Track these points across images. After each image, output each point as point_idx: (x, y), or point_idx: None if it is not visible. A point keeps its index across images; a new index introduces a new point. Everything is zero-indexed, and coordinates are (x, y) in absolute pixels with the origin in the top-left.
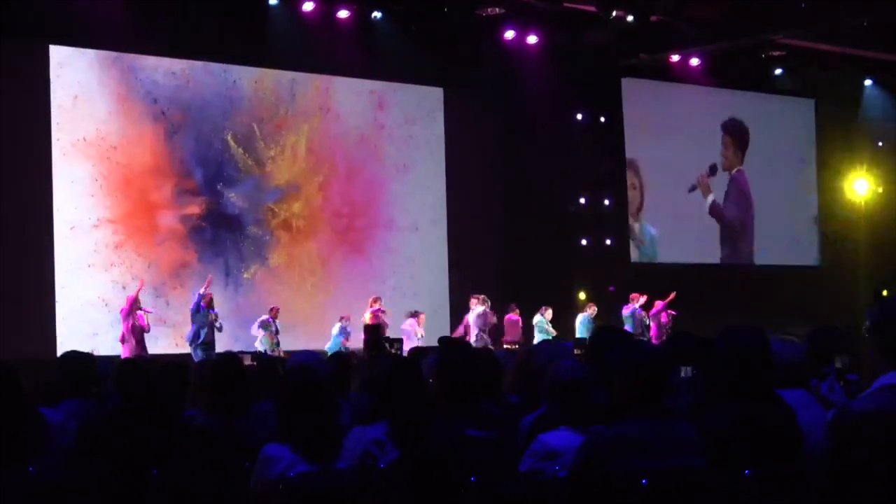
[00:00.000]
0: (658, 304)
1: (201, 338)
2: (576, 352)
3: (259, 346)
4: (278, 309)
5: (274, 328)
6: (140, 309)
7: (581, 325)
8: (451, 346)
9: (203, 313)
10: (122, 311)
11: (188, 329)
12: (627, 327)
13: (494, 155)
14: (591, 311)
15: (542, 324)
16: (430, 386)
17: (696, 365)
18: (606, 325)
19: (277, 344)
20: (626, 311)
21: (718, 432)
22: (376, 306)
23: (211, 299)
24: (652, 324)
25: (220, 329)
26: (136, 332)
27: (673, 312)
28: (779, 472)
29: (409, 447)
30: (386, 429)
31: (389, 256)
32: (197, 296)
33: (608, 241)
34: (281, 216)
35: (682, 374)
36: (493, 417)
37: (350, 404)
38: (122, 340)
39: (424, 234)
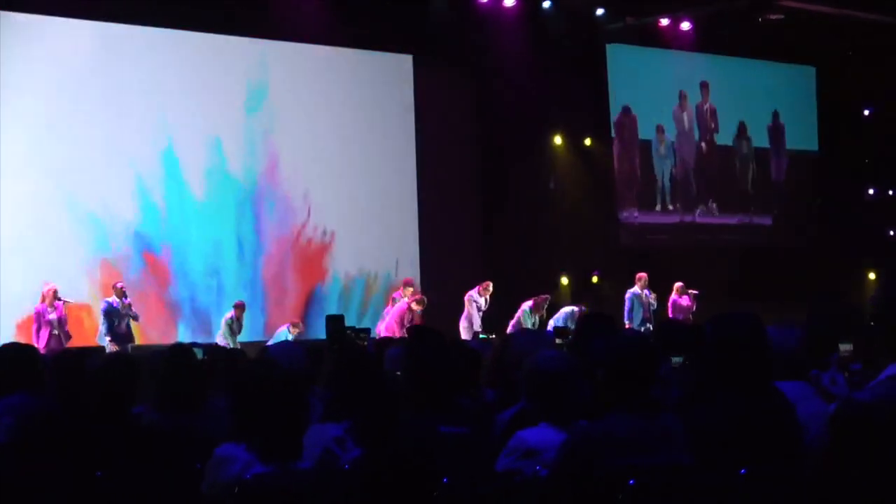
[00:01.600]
0: (677, 285)
1: (115, 329)
2: (557, 341)
3: (220, 340)
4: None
5: (235, 325)
6: (58, 299)
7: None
8: (421, 336)
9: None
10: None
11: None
12: (632, 314)
13: (467, 131)
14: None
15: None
16: (399, 379)
17: (686, 354)
18: (593, 312)
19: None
20: (629, 294)
21: (710, 428)
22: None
23: (122, 290)
24: (669, 309)
25: (135, 318)
26: (54, 325)
27: (695, 292)
28: (776, 471)
29: (373, 445)
30: (347, 426)
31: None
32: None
33: (591, 221)
34: None
35: (672, 365)
36: (468, 413)
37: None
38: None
39: (392, 211)
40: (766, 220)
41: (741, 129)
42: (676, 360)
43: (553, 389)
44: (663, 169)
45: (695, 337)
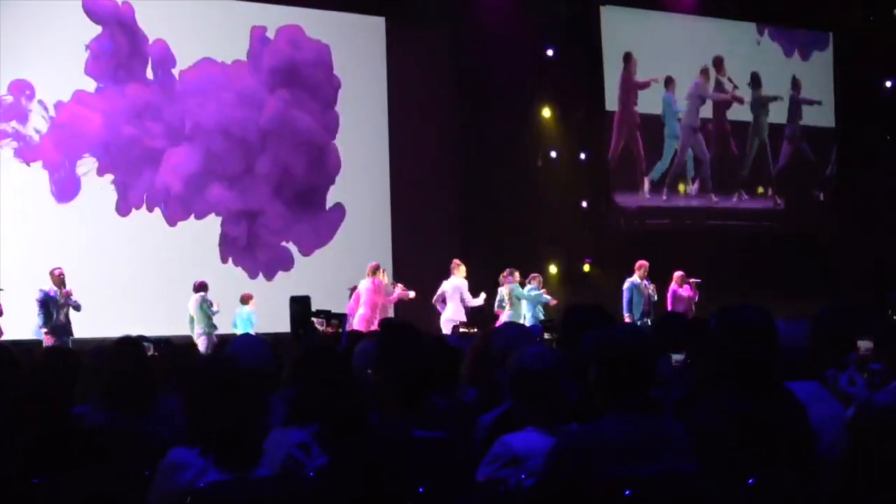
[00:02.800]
0: (677, 274)
1: (53, 321)
2: (545, 336)
3: (198, 330)
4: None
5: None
6: None
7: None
8: (394, 330)
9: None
10: None
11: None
12: (632, 307)
13: (446, 102)
14: (536, 282)
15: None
16: (370, 378)
17: (688, 351)
18: (580, 302)
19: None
20: (628, 284)
21: (715, 432)
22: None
23: (60, 277)
24: (669, 300)
25: (76, 308)
26: None
27: (697, 281)
28: (787, 480)
29: (341, 452)
30: (313, 430)
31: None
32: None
33: (584, 204)
34: None
35: (673, 363)
36: (446, 415)
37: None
38: None
39: (362, 191)
40: (777, 204)
41: (751, 103)
42: (677, 356)
43: (540, 389)
44: (665, 146)
45: (697, 331)
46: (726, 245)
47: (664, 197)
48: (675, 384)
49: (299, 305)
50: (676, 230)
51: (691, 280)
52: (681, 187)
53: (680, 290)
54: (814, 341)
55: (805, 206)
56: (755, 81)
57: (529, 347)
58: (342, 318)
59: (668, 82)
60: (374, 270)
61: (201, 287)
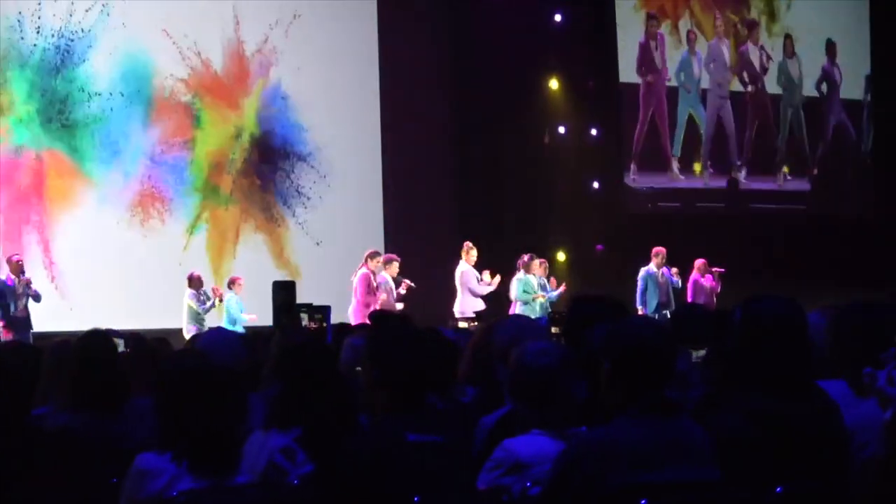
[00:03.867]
0: (699, 262)
1: (11, 313)
2: (552, 329)
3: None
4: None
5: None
6: None
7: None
8: (385, 323)
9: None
10: None
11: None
12: (646, 298)
13: (443, 72)
14: (540, 270)
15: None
16: (359, 375)
17: (709, 346)
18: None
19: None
20: (643, 273)
21: (739, 435)
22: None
23: (18, 263)
24: (689, 291)
25: (36, 298)
26: None
27: (719, 270)
28: (818, 488)
29: (327, 457)
30: (297, 434)
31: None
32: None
33: (595, 185)
34: None
35: (693, 359)
36: (443, 417)
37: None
38: None
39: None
40: (810, 185)
41: (783, 71)
42: (698, 353)
43: (545, 389)
44: (686, 121)
45: (720, 324)
46: (752, 230)
47: (683, 177)
48: (695, 383)
49: (284, 291)
50: (697, 213)
51: (714, 269)
52: (696, 167)
53: (702, 279)
54: (838, 336)
55: (840, 186)
56: (787, 47)
57: (533, 343)
58: (325, 311)
59: (690, 41)
60: (371, 257)
61: (191, 282)
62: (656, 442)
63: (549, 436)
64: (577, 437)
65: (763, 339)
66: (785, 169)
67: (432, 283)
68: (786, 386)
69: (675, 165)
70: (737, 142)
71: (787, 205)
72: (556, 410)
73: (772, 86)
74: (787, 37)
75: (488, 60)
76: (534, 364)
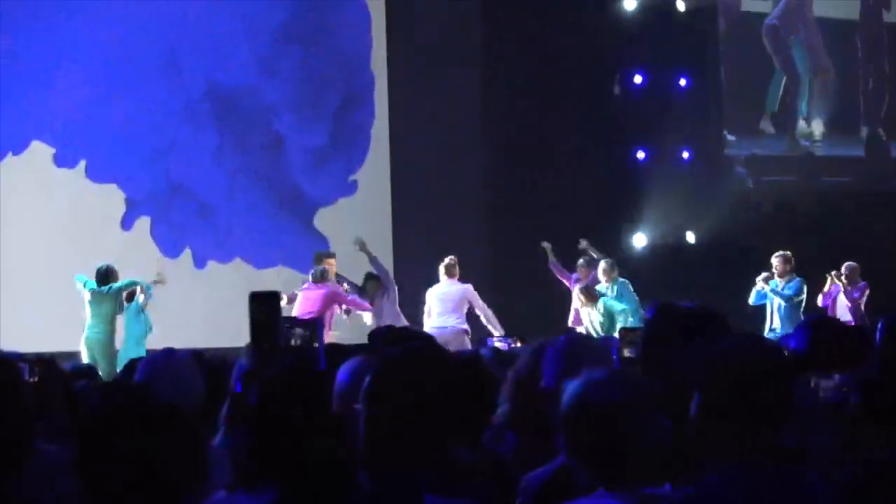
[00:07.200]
0: (848, 265)
1: None
2: (625, 352)
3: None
4: None
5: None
6: None
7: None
8: (395, 343)
9: None
10: None
11: None
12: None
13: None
14: (605, 277)
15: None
16: (359, 415)
17: (844, 373)
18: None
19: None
20: (761, 282)
21: (882, 494)
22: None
23: None
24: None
25: None
26: None
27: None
28: None
29: None
30: (273, 497)
31: None
32: None
33: (685, 154)
34: None
35: (820, 392)
36: (472, 473)
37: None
38: None
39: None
40: None
41: None
42: (826, 381)
43: (612, 434)
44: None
45: (859, 345)
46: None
47: (787, 142)
48: (823, 423)
49: (264, 306)
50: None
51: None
52: (805, 128)
53: (849, 288)
54: None
55: None
56: None
57: (593, 373)
58: (315, 327)
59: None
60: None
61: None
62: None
63: (618, 499)
64: (660, 499)
65: None
66: None
67: None
68: None
69: (769, 125)
70: (872, 98)
71: None
72: (628, 463)
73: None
74: None
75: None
76: (596, 400)
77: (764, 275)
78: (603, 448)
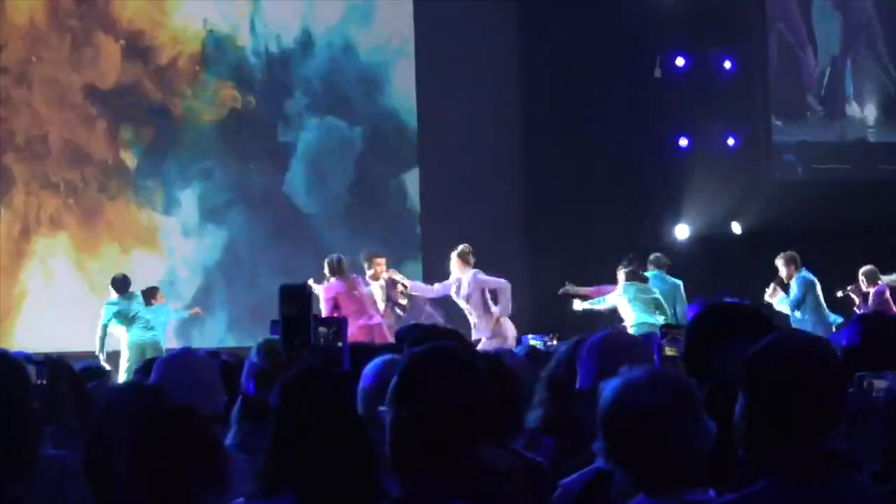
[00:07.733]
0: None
1: None
2: (667, 351)
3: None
4: None
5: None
6: None
7: (631, 294)
8: (422, 341)
9: None
10: None
11: None
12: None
13: None
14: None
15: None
16: (384, 419)
17: None
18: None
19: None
20: (800, 278)
21: None
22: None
23: None
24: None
25: None
26: None
27: None
28: None
29: None
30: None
31: None
32: None
33: (730, 140)
34: None
35: (874, 392)
36: (505, 478)
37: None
38: None
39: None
40: None
41: None
42: (879, 381)
43: (652, 437)
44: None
45: None
46: None
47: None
48: (877, 427)
49: (295, 301)
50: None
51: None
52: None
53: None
54: None
55: None
56: None
57: (632, 373)
58: (340, 325)
59: None
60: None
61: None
62: None
63: None
64: None
65: None
66: None
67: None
68: None
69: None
70: None
71: None
72: (669, 469)
73: None
74: None
75: None
76: (636, 402)
77: (771, 286)
78: (642, 453)
